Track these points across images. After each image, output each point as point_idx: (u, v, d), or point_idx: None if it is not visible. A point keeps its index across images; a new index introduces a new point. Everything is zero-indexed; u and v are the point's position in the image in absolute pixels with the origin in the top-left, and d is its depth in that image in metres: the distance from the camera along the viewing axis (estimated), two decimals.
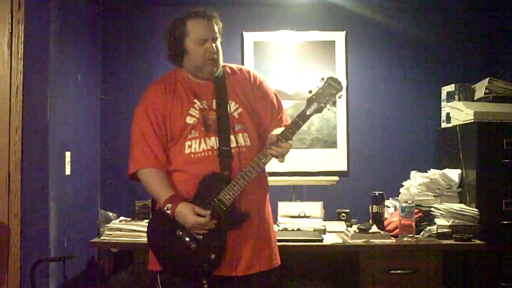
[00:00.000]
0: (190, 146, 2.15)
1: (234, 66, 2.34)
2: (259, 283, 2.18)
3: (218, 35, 2.21)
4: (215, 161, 2.12)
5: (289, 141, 2.07)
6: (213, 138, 2.15)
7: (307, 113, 2.07)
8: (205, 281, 2.09)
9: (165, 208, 2.10)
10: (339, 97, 2.08)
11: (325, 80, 2.07)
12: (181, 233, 2.12)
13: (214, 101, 2.20)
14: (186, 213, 2.07)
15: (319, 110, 2.07)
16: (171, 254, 2.15)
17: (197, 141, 2.15)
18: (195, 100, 2.19)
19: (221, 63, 2.25)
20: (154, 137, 2.18)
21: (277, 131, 2.12)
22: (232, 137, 2.15)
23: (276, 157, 2.08)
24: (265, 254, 2.20)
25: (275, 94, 2.35)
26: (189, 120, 2.17)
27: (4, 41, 2.71)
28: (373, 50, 3.71)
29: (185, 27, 2.17)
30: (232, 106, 2.20)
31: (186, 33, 2.17)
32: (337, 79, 2.07)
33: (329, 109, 2.10)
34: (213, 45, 2.17)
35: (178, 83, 2.25)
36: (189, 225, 2.08)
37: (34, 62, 2.74)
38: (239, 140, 2.16)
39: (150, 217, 2.27)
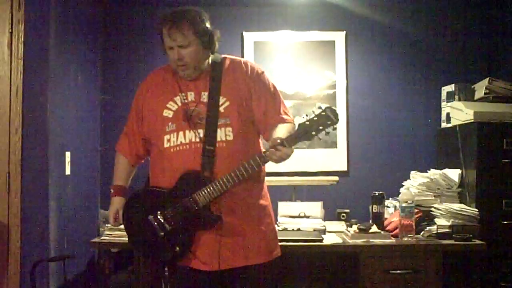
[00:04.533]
0: (169, 140, 2.18)
1: (234, 58, 2.33)
2: (243, 277, 2.18)
3: (189, 41, 2.13)
4: (196, 158, 2.13)
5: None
6: (192, 132, 2.15)
7: (295, 138, 2.03)
8: (166, 269, 2.19)
9: (111, 189, 2.39)
10: (333, 129, 2.04)
11: (322, 109, 2.03)
12: (152, 219, 2.16)
13: (206, 94, 2.20)
14: (112, 207, 2.35)
15: (308, 137, 2.03)
16: (140, 234, 2.22)
17: (175, 134, 2.17)
18: (180, 94, 2.21)
19: (200, 65, 2.20)
20: (131, 126, 2.37)
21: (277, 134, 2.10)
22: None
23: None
24: (245, 250, 2.17)
25: (274, 88, 2.31)
26: (165, 113, 2.20)
27: (4, 41, 2.71)
28: (373, 50, 3.71)
29: (160, 32, 2.19)
30: (220, 100, 2.19)
31: (162, 37, 2.19)
32: (335, 111, 2.02)
33: (320, 139, 2.07)
34: (178, 53, 2.14)
35: (170, 75, 2.28)
36: (109, 212, 2.37)
37: (34, 62, 2.74)
38: (221, 135, 2.15)
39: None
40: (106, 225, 2.95)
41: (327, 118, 2.00)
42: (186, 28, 2.13)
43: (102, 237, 2.90)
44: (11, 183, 2.69)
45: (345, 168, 3.64)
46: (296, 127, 2.06)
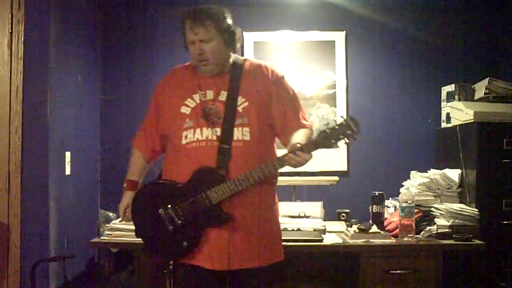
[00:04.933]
0: (186, 137, 2.19)
1: (255, 61, 2.35)
2: (250, 278, 2.19)
3: (210, 36, 2.16)
4: (211, 156, 2.13)
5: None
6: (209, 129, 2.16)
7: (315, 144, 2.04)
8: (171, 263, 2.19)
9: (124, 184, 2.42)
10: (354, 139, 2.03)
11: (344, 118, 2.03)
12: (163, 212, 2.17)
13: (225, 93, 2.21)
14: (123, 201, 2.38)
15: (327, 145, 2.04)
16: (148, 226, 2.24)
17: (191, 131, 2.18)
18: (199, 91, 2.22)
19: (221, 61, 2.22)
20: (148, 122, 2.38)
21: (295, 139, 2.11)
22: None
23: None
24: (254, 251, 2.18)
25: (293, 92, 2.33)
26: (183, 110, 2.21)
27: (4, 41, 2.71)
28: (373, 50, 3.71)
29: (183, 27, 2.21)
30: (239, 100, 2.20)
31: (184, 32, 2.21)
32: (357, 122, 2.01)
33: (338, 147, 2.06)
34: (200, 47, 2.16)
35: (189, 72, 2.30)
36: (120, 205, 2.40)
37: (34, 62, 2.74)
38: (238, 134, 2.16)
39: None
40: (106, 225, 2.95)
41: (348, 128, 2.01)
42: (208, 23, 2.16)
43: (102, 237, 2.90)
44: (11, 183, 2.69)
45: (345, 168, 3.64)
46: (317, 134, 2.06)
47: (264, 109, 2.23)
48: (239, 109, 2.19)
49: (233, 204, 2.13)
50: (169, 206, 2.16)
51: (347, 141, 2.04)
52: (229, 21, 2.21)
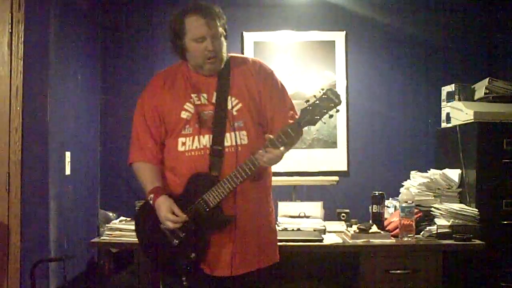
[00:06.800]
0: (184, 144, 2.14)
1: (242, 57, 2.31)
2: (249, 281, 2.17)
3: (219, 32, 2.12)
4: (206, 161, 2.10)
5: (279, 148, 2.00)
6: (206, 136, 2.12)
7: (300, 123, 2.00)
8: (184, 278, 2.08)
9: (149, 198, 2.15)
10: (336, 112, 1.99)
11: (323, 91, 1.99)
12: (164, 227, 2.12)
13: (215, 94, 2.16)
14: (162, 206, 2.09)
15: (312, 122, 1.99)
16: (154, 245, 2.17)
17: (191, 138, 2.13)
18: (193, 95, 2.17)
19: (224, 58, 2.18)
20: (147, 133, 2.21)
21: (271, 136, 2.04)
22: (228, 135, 2.11)
23: (264, 162, 2.03)
24: (256, 254, 2.17)
25: (282, 87, 2.28)
26: (183, 115, 2.15)
27: (4, 41, 2.71)
28: (373, 50, 3.71)
29: (183, 24, 2.12)
30: (232, 101, 2.15)
31: (184, 30, 2.12)
32: (336, 92, 1.98)
33: (324, 123, 2.01)
34: (212, 43, 2.09)
35: (180, 76, 2.22)
36: (161, 218, 2.10)
37: (34, 62, 2.74)
38: (237, 138, 2.11)
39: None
40: (106, 225, 2.95)
41: (330, 101, 1.97)
42: (219, 19, 2.13)
43: (102, 237, 2.90)
44: (11, 183, 2.69)
45: (345, 168, 3.64)
46: (300, 113, 2.01)
47: (256, 109, 2.19)
48: (234, 111, 2.14)
49: (234, 208, 2.10)
50: None
51: (331, 114, 1.99)
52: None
